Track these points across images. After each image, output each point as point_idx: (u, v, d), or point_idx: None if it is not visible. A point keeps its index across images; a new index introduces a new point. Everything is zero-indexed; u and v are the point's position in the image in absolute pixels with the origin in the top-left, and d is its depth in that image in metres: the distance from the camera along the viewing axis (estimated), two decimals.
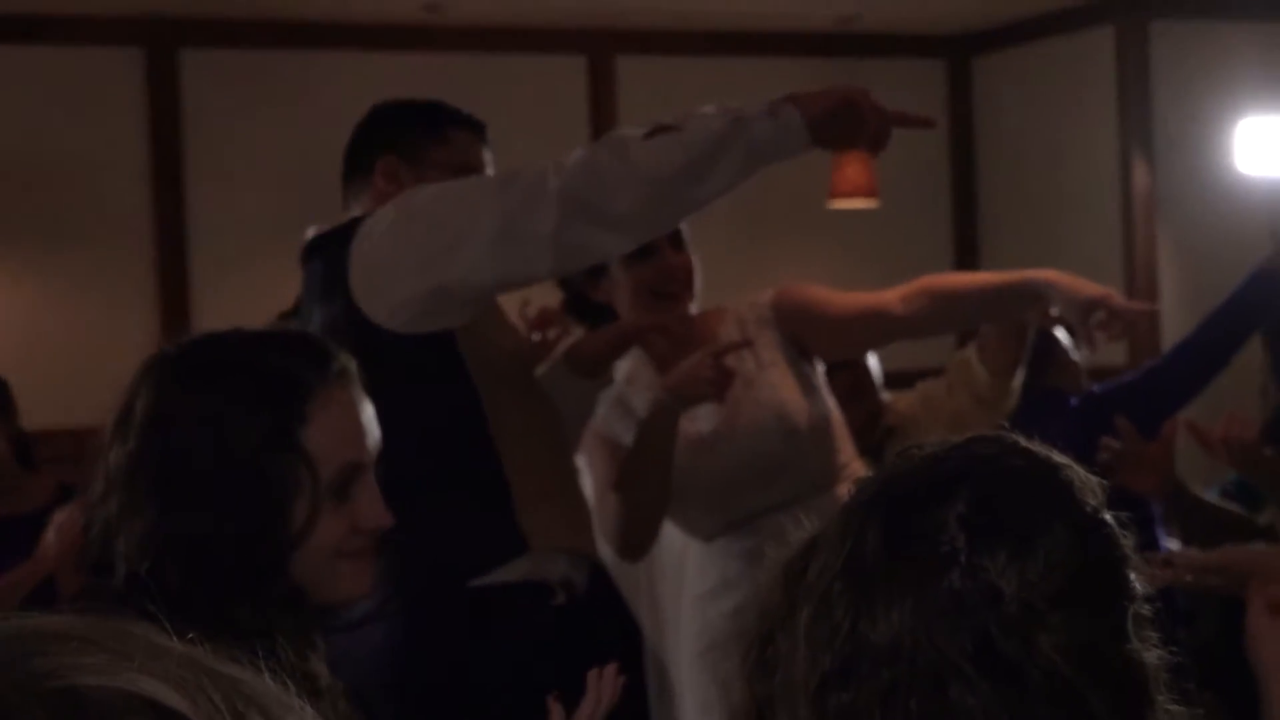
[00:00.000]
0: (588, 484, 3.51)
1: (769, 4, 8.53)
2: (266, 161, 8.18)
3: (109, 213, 7.98)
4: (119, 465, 1.96)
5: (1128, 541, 1.43)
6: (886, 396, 4.88)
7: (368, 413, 2.04)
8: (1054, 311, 3.67)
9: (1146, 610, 1.42)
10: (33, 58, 7.84)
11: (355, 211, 3.32)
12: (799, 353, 3.65)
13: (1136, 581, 1.43)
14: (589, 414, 3.56)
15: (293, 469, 1.93)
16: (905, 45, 9.42)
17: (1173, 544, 4.05)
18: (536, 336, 3.81)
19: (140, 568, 1.91)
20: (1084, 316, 3.32)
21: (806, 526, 1.57)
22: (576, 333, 3.77)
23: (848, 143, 3.10)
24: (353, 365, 2.04)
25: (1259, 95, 8.54)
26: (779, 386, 3.59)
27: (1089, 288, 3.36)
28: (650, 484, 3.43)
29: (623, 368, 3.67)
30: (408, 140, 3.36)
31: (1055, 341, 4.90)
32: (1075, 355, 5.03)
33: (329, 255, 3.18)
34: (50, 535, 4.18)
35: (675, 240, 3.55)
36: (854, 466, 3.69)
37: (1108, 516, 1.43)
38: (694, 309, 3.63)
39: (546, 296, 3.91)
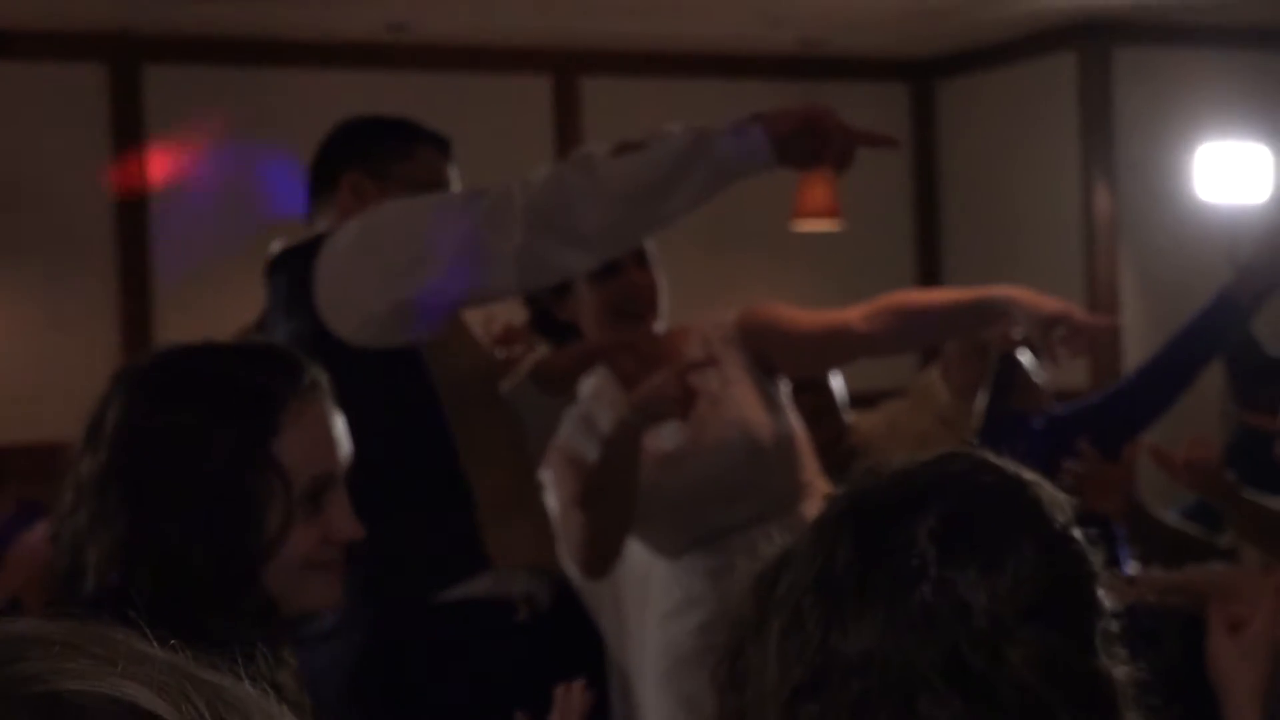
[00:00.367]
0: (552, 500, 3.51)
1: (733, 27, 8.56)
2: (229, 177, 8.17)
3: (72, 228, 7.96)
4: (90, 476, 1.96)
5: (1096, 558, 1.45)
6: (851, 417, 4.90)
7: (339, 425, 2.04)
8: (1017, 335, 3.69)
9: (1114, 626, 1.44)
10: None
11: (320, 226, 3.31)
12: (764, 371, 3.66)
13: (1104, 598, 1.44)
14: (554, 430, 3.55)
15: (264, 481, 1.93)
16: (869, 69, 9.46)
17: (1133, 565, 4.07)
18: (501, 353, 3.81)
19: (110, 579, 1.91)
20: (1046, 332, 3.34)
21: (775, 543, 1.57)
22: (541, 350, 3.77)
23: (813, 161, 3.11)
24: (324, 377, 2.04)
25: (1219, 121, 8.61)
26: (744, 405, 3.59)
27: (1050, 304, 3.38)
28: (614, 501, 3.43)
29: (588, 385, 3.67)
30: (373, 156, 3.36)
31: (1019, 364, 4.93)
32: (1039, 378, 5.05)
33: (294, 270, 3.18)
34: (17, 555, 4.17)
35: (640, 259, 3.55)
36: (818, 485, 3.70)
37: (1076, 533, 1.44)
38: (659, 328, 3.64)
39: (511, 314, 3.91)
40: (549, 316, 3.67)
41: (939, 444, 1.74)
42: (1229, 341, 4.52)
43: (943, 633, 1.37)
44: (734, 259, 8.93)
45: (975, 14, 8.53)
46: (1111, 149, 8.74)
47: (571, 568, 3.48)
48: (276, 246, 3.32)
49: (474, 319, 3.49)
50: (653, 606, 3.70)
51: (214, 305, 7.63)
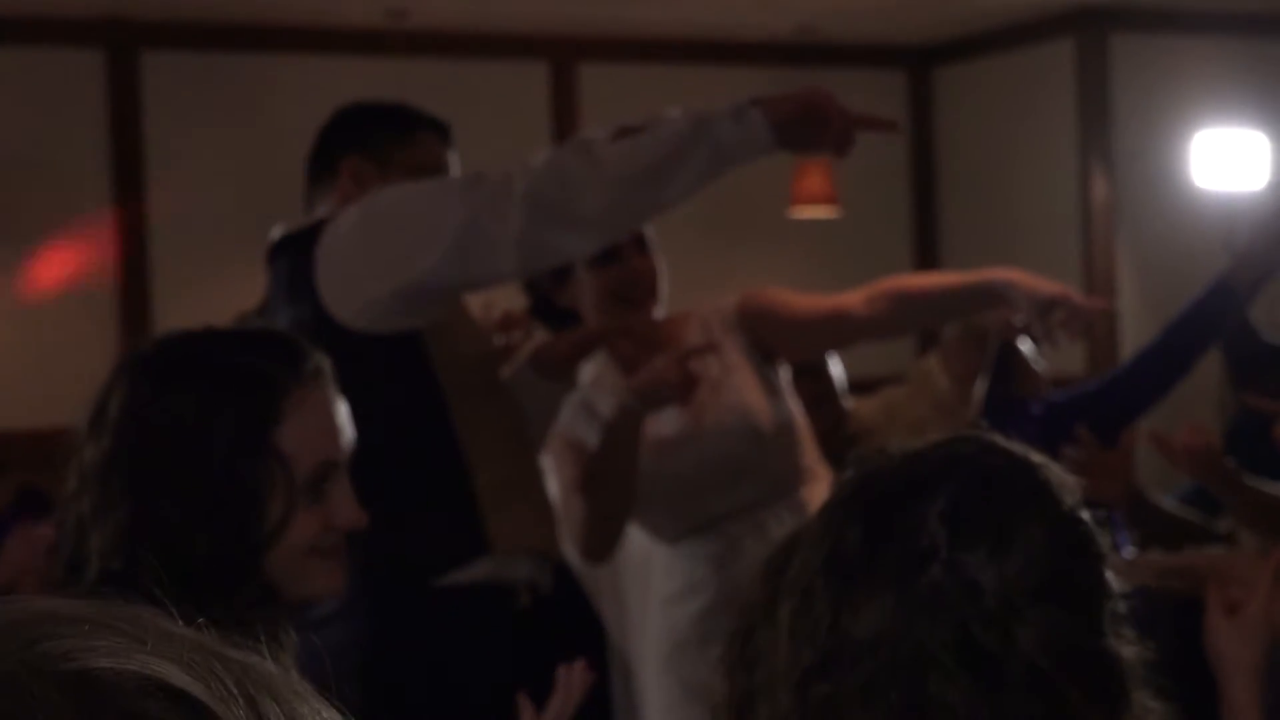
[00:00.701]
0: (553, 486, 3.52)
1: (730, 13, 8.55)
2: (226, 164, 8.17)
3: (70, 214, 7.96)
4: (93, 463, 1.96)
5: (1104, 540, 1.46)
6: (849, 403, 4.91)
7: (342, 412, 2.05)
8: (1016, 321, 3.69)
9: (1122, 607, 1.45)
10: None
11: (320, 212, 3.32)
12: (764, 356, 3.66)
13: (1112, 579, 1.45)
14: (554, 416, 3.56)
15: (267, 468, 1.94)
16: (866, 55, 9.46)
17: (1132, 550, 4.08)
18: (500, 339, 3.82)
19: (113, 565, 1.92)
20: (1044, 315, 3.34)
21: (785, 524, 1.59)
22: (541, 336, 3.77)
23: (812, 146, 3.11)
24: (327, 364, 2.05)
25: (1216, 108, 8.62)
26: (743, 390, 3.60)
27: (1048, 286, 3.38)
28: (615, 487, 3.44)
29: (588, 371, 3.68)
30: (373, 141, 3.36)
31: (1017, 350, 4.93)
32: (1038, 364, 5.06)
33: (295, 256, 3.18)
34: (13, 545, 4.18)
35: (640, 244, 3.56)
36: (817, 470, 3.71)
37: (1084, 515, 1.46)
38: (659, 313, 3.64)
39: (511, 299, 3.92)
40: (548, 302, 3.67)
41: (937, 430, 1.75)
42: (1226, 328, 4.52)
43: (953, 613, 1.38)
44: (731, 245, 8.94)
45: (973, 0, 8.54)
46: (1109, 136, 8.75)
47: (572, 553, 3.49)
48: (277, 232, 3.32)
49: (473, 305, 3.49)
50: (653, 591, 3.70)
51: (213, 290, 7.64)
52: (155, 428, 1.94)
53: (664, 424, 3.56)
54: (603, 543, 3.50)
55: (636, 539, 3.68)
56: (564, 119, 8.81)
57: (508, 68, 8.75)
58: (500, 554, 3.15)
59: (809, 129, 3.04)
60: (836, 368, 4.82)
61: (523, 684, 2.43)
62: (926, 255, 9.66)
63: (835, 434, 4.63)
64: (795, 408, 3.71)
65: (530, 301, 3.77)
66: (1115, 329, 8.20)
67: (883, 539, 1.42)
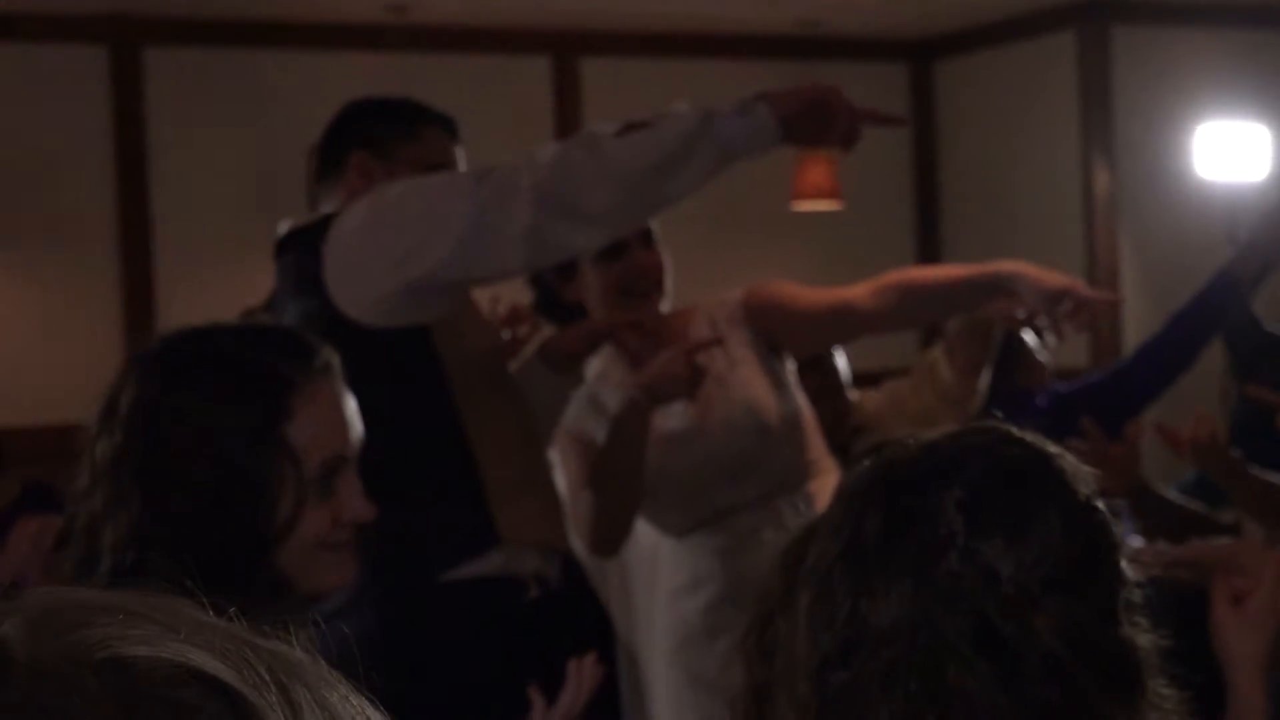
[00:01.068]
0: (560, 480, 3.52)
1: (732, 7, 8.55)
2: (230, 159, 8.18)
3: (73, 210, 7.97)
4: (104, 459, 1.97)
5: (1119, 529, 1.47)
6: (854, 396, 4.91)
7: (350, 407, 2.06)
8: (1020, 313, 3.69)
9: (1137, 596, 1.46)
10: None
11: (328, 207, 3.33)
12: (770, 350, 3.67)
13: (1127, 568, 1.47)
14: (561, 410, 3.57)
15: (276, 463, 1.95)
16: (868, 49, 9.46)
17: (1137, 541, 4.09)
18: (506, 334, 3.83)
19: (125, 559, 1.93)
20: (1050, 306, 3.34)
21: (802, 514, 1.60)
22: (547, 331, 3.78)
23: (818, 141, 3.11)
24: (335, 360, 2.06)
25: (1218, 100, 8.61)
26: (750, 384, 3.61)
27: (1055, 278, 3.38)
28: (623, 481, 3.44)
29: (594, 365, 3.68)
30: (380, 137, 3.37)
31: (1022, 342, 4.94)
32: (1042, 356, 5.07)
33: (302, 250, 3.19)
34: (19, 539, 4.18)
35: (645, 238, 3.56)
36: (824, 463, 3.71)
37: (1100, 504, 1.47)
38: (665, 307, 3.65)
39: (516, 294, 3.92)
40: (554, 297, 3.68)
41: (942, 422, 1.76)
42: (1229, 320, 4.54)
43: (970, 601, 1.39)
44: (733, 239, 8.93)
45: None
46: (1111, 128, 8.74)
47: (579, 546, 3.49)
48: (284, 227, 3.33)
49: (479, 299, 3.50)
50: (661, 584, 3.71)
51: (217, 286, 7.65)
52: (165, 424, 1.95)
53: (671, 418, 3.56)
54: (611, 537, 3.51)
55: (644, 532, 3.68)
56: (566, 113, 8.81)
57: (509, 62, 8.75)
58: (508, 547, 3.16)
59: (815, 124, 3.05)
60: (841, 360, 4.83)
61: (531, 677, 2.44)
62: (929, 248, 9.66)
63: (839, 426, 4.63)
64: (802, 400, 3.71)
65: (536, 296, 3.78)
66: (1117, 320, 8.20)
67: (901, 528, 1.43)
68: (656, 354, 3.43)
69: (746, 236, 9.03)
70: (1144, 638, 1.45)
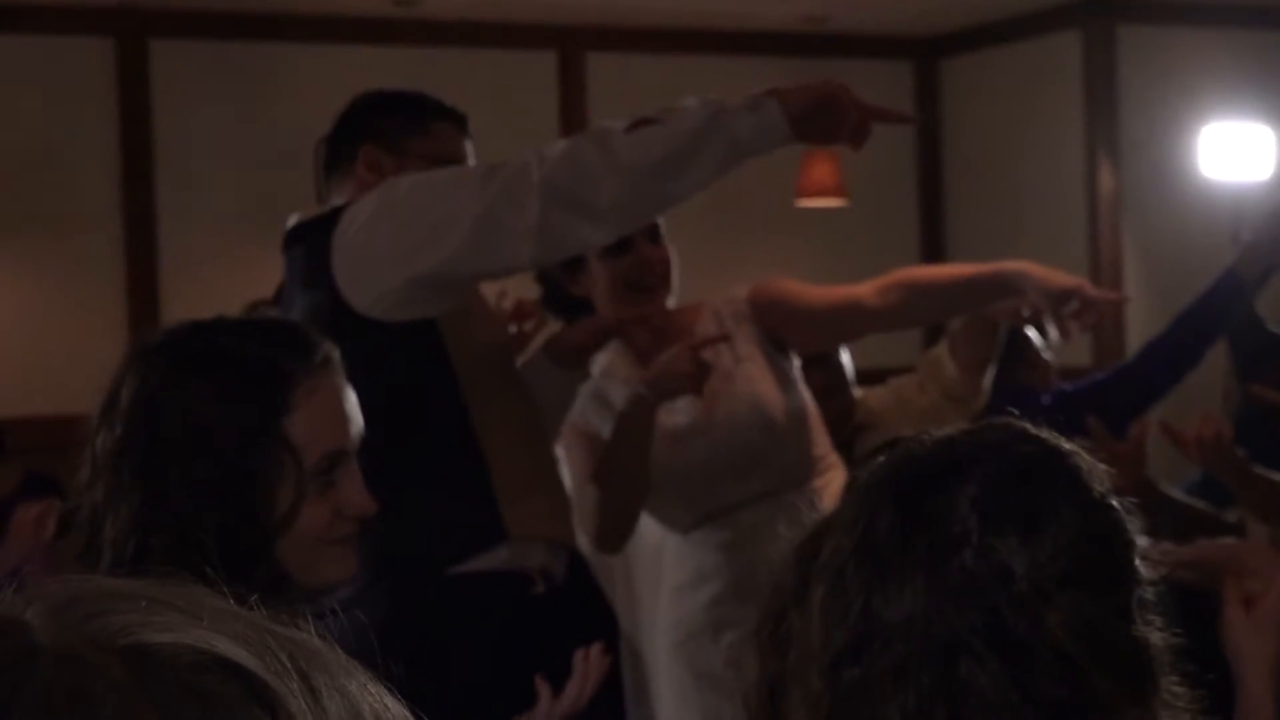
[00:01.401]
0: (566, 475, 3.53)
1: (738, 3, 8.56)
2: (235, 152, 8.19)
3: (78, 202, 7.97)
4: (105, 452, 1.98)
5: (1134, 526, 1.47)
6: (858, 393, 4.90)
7: (351, 401, 2.06)
8: (1024, 312, 3.69)
9: (1151, 594, 1.46)
10: (2, 47, 7.82)
11: (337, 200, 3.33)
12: (775, 347, 3.67)
13: (1141, 566, 1.47)
14: (568, 405, 3.57)
15: (276, 457, 1.95)
16: (873, 46, 9.46)
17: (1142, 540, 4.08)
18: (512, 329, 3.83)
19: (126, 552, 1.93)
20: (1057, 306, 3.33)
21: (790, 520, 1.61)
22: (553, 326, 3.78)
23: (828, 138, 3.10)
24: (336, 354, 2.06)
25: (1223, 100, 8.61)
26: (756, 380, 3.61)
27: (1061, 278, 3.37)
28: (628, 476, 3.45)
29: (600, 361, 3.69)
30: (390, 130, 3.37)
31: (1027, 340, 4.94)
32: (1046, 354, 5.06)
33: (312, 243, 3.19)
34: (20, 527, 4.18)
35: (652, 234, 3.56)
36: (830, 460, 3.71)
37: (1115, 501, 1.47)
38: (671, 303, 3.65)
39: (523, 289, 3.92)
40: (561, 292, 3.68)
41: (946, 419, 1.75)
42: (1235, 319, 4.54)
43: (984, 598, 1.40)
44: (738, 235, 8.94)
45: None
46: (1116, 127, 8.74)
47: (584, 541, 3.49)
48: (294, 219, 3.33)
49: (486, 294, 3.50)
50: (665, 580, 3.72)
51: (221, 278, 7.65)
52: (166, 417, 1.96)
53: (676, 414, 3.57)
54: (616, 532, 3.52)
55: (649, 528, 3.69)
56: (572, 109, 8.81)
57: (516, 57, 8.75)
58: (515, 542, 3.16)
59: (825, 121, 3.03)
60: (845, 357, 4.82)
61: (536, 671, 2.44)
62: (933, 245, 9.67)
63: (843, 423, 4.63)
64: (808, 397, 3.71)
65: (543, 292, 3.78)
66: (1121, 320, 8.20)
67: (914, 524, 1.43)
68: (663, 350, 3.43)
69: (751, 233, 9.03)
70: (1157, 635, 1.45)
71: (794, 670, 1.46)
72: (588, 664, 2.39)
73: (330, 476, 2.01)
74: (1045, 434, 1.50)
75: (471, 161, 3.41)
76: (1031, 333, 4.87)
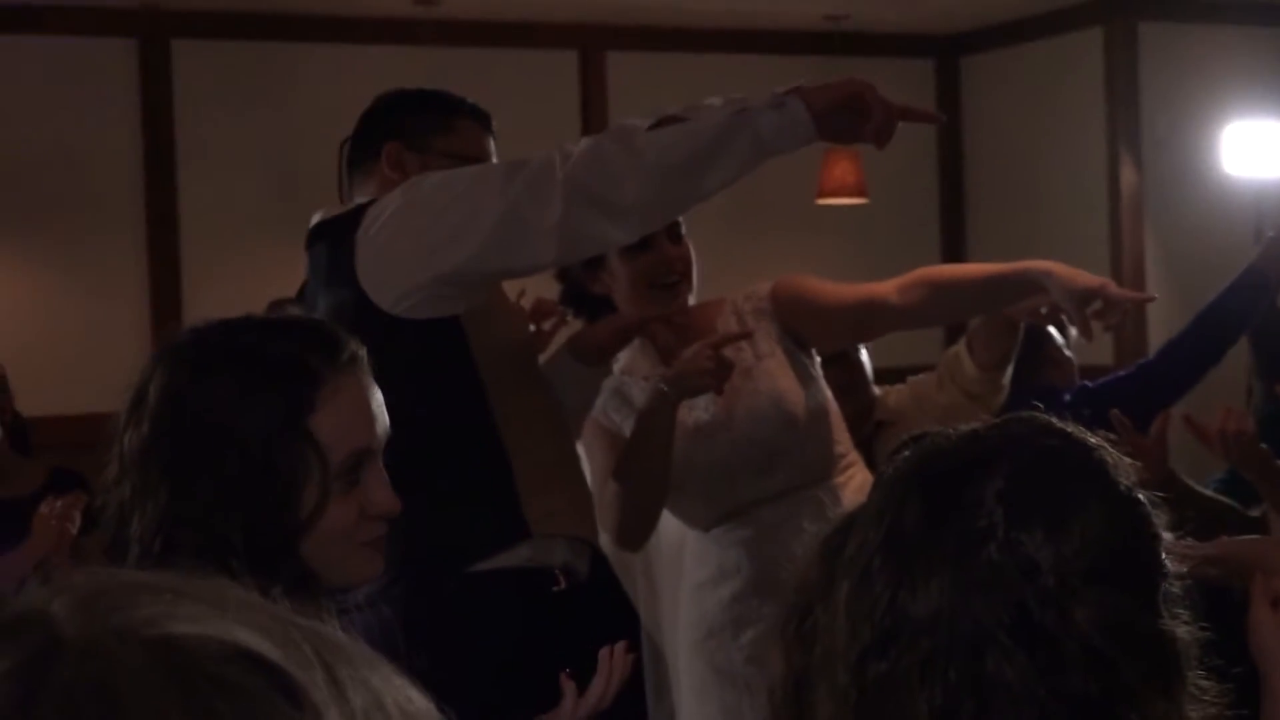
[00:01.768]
0: (588, 472, 3.53)
1: (759, 2, 8.55)
2: (257, 151, 8.20)
3: (101, 202, 8.00)
4: (132, 449, 1.98)
5: (1160, 520, 1.47)
6: (877, 391, 4.90)
7: (377, 399, 2.06)
8: (1043, 310, 3.67)
9: (1177, 588, 1.46)
10: (27, 47, 7.85)
11: (360, 198, 3.34)
12: (796, 343, 3.66)
13: (1168, 560, 1.47)
14: (590, 403, 3.57)
15: (302, 455, 1.95)
16: (894, 44, 9.46)
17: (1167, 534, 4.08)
18: (532, 327, 3.83)
19: (153, 549, 1.93)
20: (1081, 305, 3.31)
21: (811, 516, 1.61)
22: (574, 324, 3.78)
23: (852, 136, 3.09)
24: (362, 352, 2.06)
25: (1245, 97, 8.59)
26: (777, 377, 3.60)
27: (1086, 277, 3.34)
28: (649, 474, 3.45)
29: (621, 358, 3.69)
30: (414, 128, 3.38)
31: (1049, 337, 4.93)
32: (1068, 352, 5.06)
33: (335, 241, 3.20)
34: (46, 521, 4.20)
35: (673, 232, 3.56)
36: (851, 457, 3.71)
37: (1141, 495, 1.47)
38: (691, 300, 3.64)
39: (543, 288, 3.92)
40: (582, 289, 3.68)
41: (966, 417, 1.76)
42: (1255, 316, 4.53)
43: (1010, 592, 1.40)
44: (758, 233, 8.94)
45: None
46: (1137, 125, 8.73)
47: (604, 539, 3.49)
48: (317, 217, 3.34)
49: (507, 292, 3.51)
50: (686, 577, 3.72)
51: (243, 277, 7.67)
52: (192, 414, 1.96)
53: (697, 411, 3.57)
54: (637, 530, 3.52)
55: (669, 525, 3.69)
56: (593, 107, 8.82)
57: (536, 56, 8.76)
58: (537, 539, 3.17)
59: (850, 119, 3.02)
60: (864, 356, 4.82)
61: (558, 668, 2.44)
62: (954, 243, 9.66)
63: (862, 421, 4.63)
64: (828, 394, 3.71)
65: (563, 290, 3.78)
66: (1143, 318, 8.19)
67: (940, 518, 1.43)
68: (684, 347, 3.43)
69: (771, 231, 9.03)
70: (1183, 629, 1.45)
71: (820, 665, 1.46)
72: (612, 662, 2.39)
73: (356, 475, 2.01)
74: (1071, 428, 1.51)
75: (494, 160, 3.41)
76: (1053, 332, 4.86)
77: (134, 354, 7.19)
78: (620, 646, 2.39)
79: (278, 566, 1.93)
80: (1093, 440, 1.50)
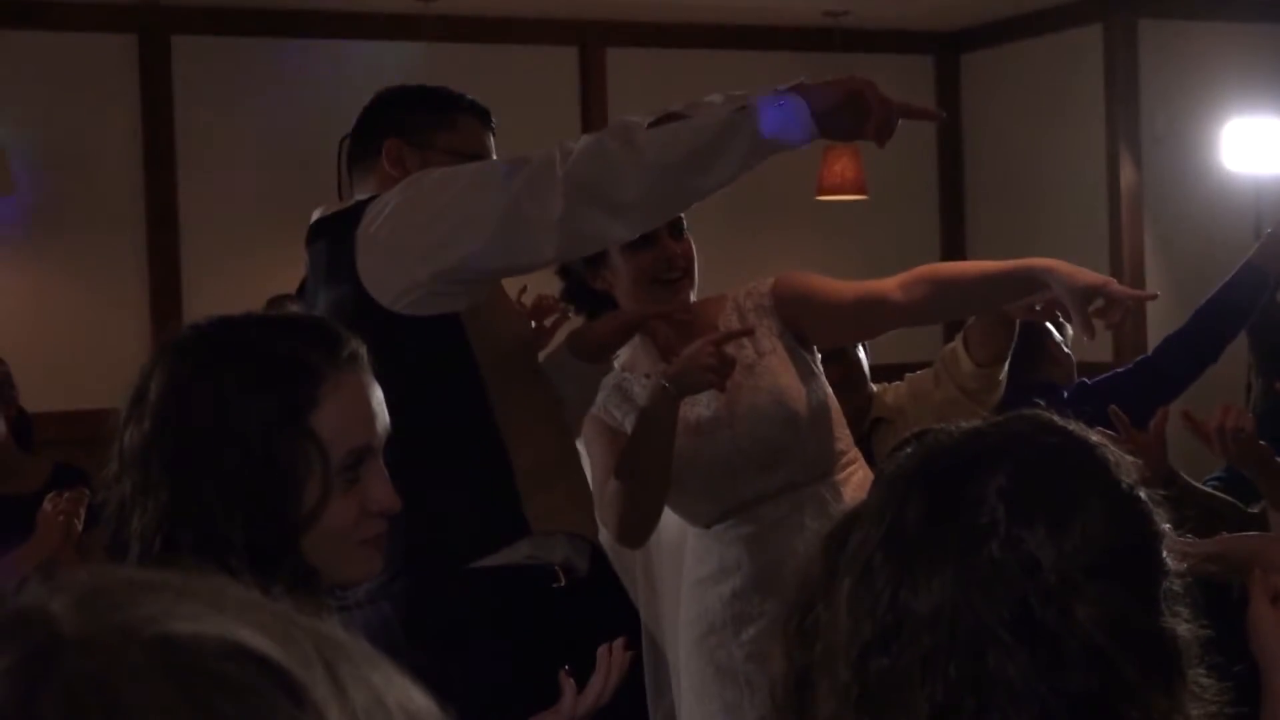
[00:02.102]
0: (588, 469, 3.53)
1: None
2: (257, 147, 8.20)
3: (101, 198, 8.00)
4: (133, 446, 1.98)
5: (1161, 517, 1.47)
6: (874, 388, 4.90)
7: (377, 397, 2.06)
8: (1038, 307, 3.67)
9: (1178, 586, 1.46)
10: (27, 43, 7.85)
11: (361, 194, 3.34)
12: (797, 340, 3.66)
13: (1169, 558, 1.47)
14: (590, 399, 3.57)
15: (303, 452, 1.95)
16: (894, 41, 9.46)
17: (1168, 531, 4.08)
18: (533, 324, 3.83)
19: (153, 546, 1.93)
20: (1083, 303, 3.30)
21: (812, 513, 1.61)
22: (575, 320, 3.78)
23: (853, 133, 3.09)
24: (363, 349, 2.06)
25: (1245, 95, 8.59)
26: (778, 373, 3.60)
27: (1088, 275, 3.33)
28: (650, 471, 3.44)
29: (622, 354, 3.69)
30: (414, 125, 3.38)
31: (1048, 334, 4.92)
32: (1067, 349, 5.05)
33: (335, 237, 3.20)
34: (49, 517, 4.20)
35: (675, 228, 3.56)
36: (852, 454, 3.71)
37: (1142, 493, 1.47)
38: (693, 296, 3.64)
39: (545, 284, 3.93)
40: (582, 286, 3.67)
41: (963, 414, 1.76)
42: (1254, 313, 4.53)
43: (1012, 589, 1.40)
44: (758, 229, 8.94)
45: None
46: (1137, 121, 8.73)
47: (604, 535, 3.49)
48: (317, 213, 3.34)
49: (507, 289, 3.51)
50: (686, 574, 3.71)
51: (242, 274, 7.67)
52: (193, 410, 1.96)
53: (699, 407, 3.57)
54: (638, 527, 3.51)
55: (670, 522, 3.68)
56: (593, 104, 8.82)
57: (536, 52, 8.76)
58: (537, 536, 3.17)
59: (851, 116, 3.02)
60: (862, 353, 4.82)
61: (557, 665, 2.44)
62: (954, 240, 9.66)
63: (860, 419, 4.63)
64: (830, 391, 3.71)
65: (564, 286, 3.78)
66: (1142, 315, 8.19)
67: (942, 515, 1.43)
68: (685, 344, 3.42)
69: (771, 227, 9.04)
70: (1184, 627, 1.46)
71: (821, 661, 1.47)
72: (611, 659, 2.39)
73: (356, 473, 2.01)
74: (1072, 425, 1.51)
75: (494, 156, 3.42)
76: (1051, 327, 4.86)
77: (132, 350, 7.19)
78: (619, 643, 2.40)
79: (278, 564, 1.93)
80: (1094, 438, 1.51)
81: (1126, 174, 8.69)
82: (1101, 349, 7.80)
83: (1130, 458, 1.50)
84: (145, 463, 1.96)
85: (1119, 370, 4.93)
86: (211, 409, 1.95)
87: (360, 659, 0.76)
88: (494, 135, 3.46)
